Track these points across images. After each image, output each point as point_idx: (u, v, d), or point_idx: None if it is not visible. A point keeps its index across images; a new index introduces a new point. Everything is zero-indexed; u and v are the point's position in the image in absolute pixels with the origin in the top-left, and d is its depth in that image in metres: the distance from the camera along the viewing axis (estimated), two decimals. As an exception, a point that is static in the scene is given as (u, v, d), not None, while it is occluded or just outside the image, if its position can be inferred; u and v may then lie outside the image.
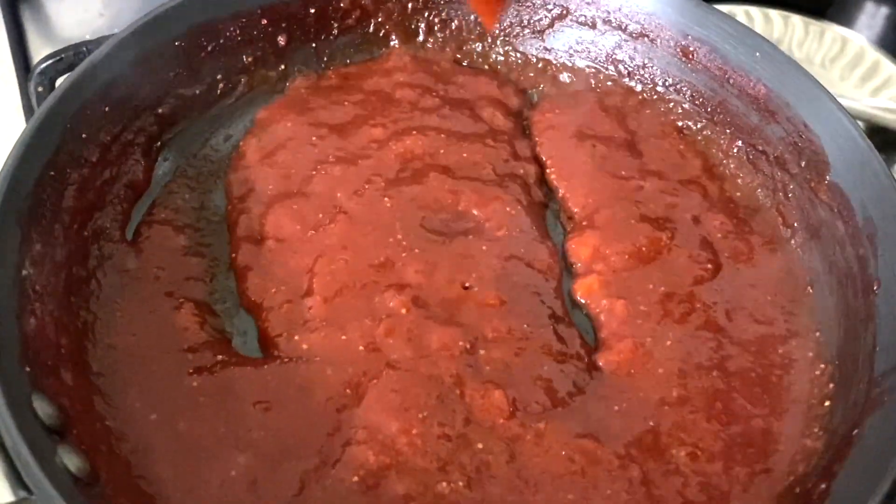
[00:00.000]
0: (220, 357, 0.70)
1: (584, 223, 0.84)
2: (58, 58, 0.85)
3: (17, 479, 0.54)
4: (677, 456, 0.68)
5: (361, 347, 0.71)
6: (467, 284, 0.77)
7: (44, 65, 0.85)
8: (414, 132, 0.88)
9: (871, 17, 1.27)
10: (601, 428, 0.69)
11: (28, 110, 0.95)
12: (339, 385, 0.69)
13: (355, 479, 0.64)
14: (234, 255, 0.79)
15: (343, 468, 0.64)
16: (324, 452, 0.65)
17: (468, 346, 0.72)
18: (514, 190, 0.85)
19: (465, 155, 0.87)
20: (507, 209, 0.83)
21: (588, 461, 0.67)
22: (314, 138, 0.87)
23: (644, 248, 0.81)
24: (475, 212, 0.83)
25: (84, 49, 0.84)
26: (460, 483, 0.65)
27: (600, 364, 0.74)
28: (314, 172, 0.84)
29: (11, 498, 0.54)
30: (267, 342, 0.73)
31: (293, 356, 0.71)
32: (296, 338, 0.72)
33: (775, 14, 1.20)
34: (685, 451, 0.68)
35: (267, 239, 0.79)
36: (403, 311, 0.73)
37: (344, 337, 0.72)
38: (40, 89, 0.86)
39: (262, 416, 0.67)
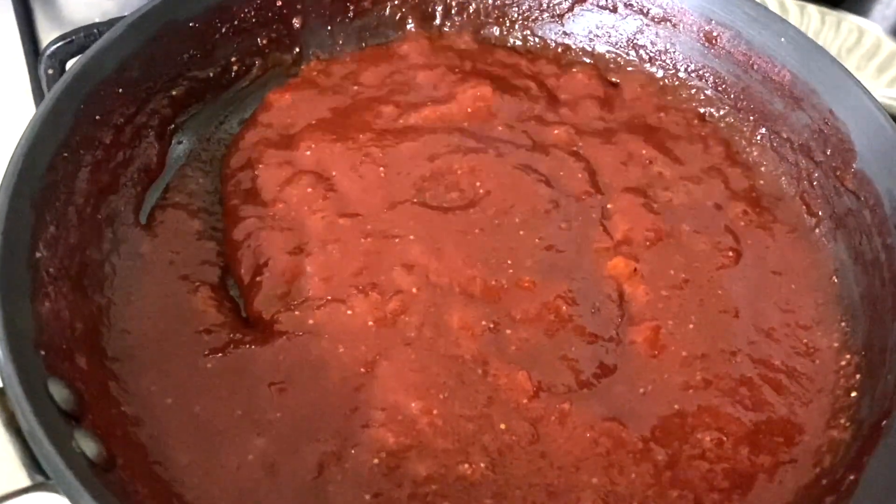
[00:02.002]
0: (233, 335, 0.69)
1: (608, 206, 0.82)
2: (68, 40, 0.84)
3: (34, 464, 0.53)
4: (702, 441, 0.67)
5: (371, 323, 0.70)
6: (493, 262, 0.75)
7: (53, 47, 0.84)
8: (430, 103, 0.87)
9: (886, 7, 1.26)
10: (626, 410, 0.68)
11: (37, 93, 0.94)
12: (352, 364, 0.68)
13: (375, 461, 0.63)
14: (226, 236, 0.77)
15: (362, 450, 0.63)
16: (342, 434, 0.64)
17: (491, 326, 0.71)
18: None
19: (499, 128, 0.86)
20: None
21: (613, 444, 0.66)
22: (314, 120, 0.86)
23: (664, 235, 0.80)
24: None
25: (95, 31, 0.83)
26: (482, 464, 0.64)
27: (625, 346, 0.72)
28: (308, 153, 0.82)
29: (28, 483, 0.53)
30: (264, 325, 0.71)
31: (301, 330, 0.69)
32: (297, 313, 0.71)
33: (791, 3, 1.19)
34: (710, 437, 0.67)
35: (257, 219, 0.77)
36: (415, 290, 0.72)
37: (349, 312, 0.70)
38: (50, 72, 0.85)
39: (277, 398, 0.66)
